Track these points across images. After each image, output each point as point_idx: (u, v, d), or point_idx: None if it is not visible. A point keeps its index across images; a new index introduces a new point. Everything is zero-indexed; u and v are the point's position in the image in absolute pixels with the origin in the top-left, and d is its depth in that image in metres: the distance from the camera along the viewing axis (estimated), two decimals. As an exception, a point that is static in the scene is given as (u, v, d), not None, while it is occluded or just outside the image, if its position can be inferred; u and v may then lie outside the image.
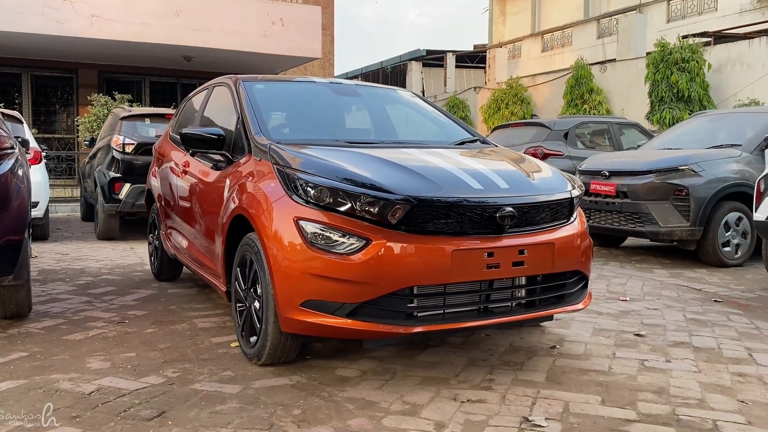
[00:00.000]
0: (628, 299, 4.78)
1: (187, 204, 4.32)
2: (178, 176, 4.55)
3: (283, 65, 14.77)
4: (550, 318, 3.30)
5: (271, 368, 3.10)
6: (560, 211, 3.16)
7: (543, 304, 3.12)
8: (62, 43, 12.17)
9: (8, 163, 3.79)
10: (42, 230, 8.00)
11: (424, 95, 30.09)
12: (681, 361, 3.27)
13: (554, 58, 26.88)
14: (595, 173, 7.10)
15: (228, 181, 3.53)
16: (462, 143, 3.96)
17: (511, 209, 2.89)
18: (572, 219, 3.23)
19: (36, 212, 7.57)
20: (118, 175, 7.74)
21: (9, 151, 3.85)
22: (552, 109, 21.03)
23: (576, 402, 2.70)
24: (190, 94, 5.24)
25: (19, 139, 5.65)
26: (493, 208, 2.87)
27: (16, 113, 8.17)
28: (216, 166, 3.84)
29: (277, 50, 12.97)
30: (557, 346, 3.51)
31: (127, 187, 7.74)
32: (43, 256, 6.76)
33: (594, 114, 18.59)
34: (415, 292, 2.81)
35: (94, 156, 9.07)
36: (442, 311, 2.86)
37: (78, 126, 12.84)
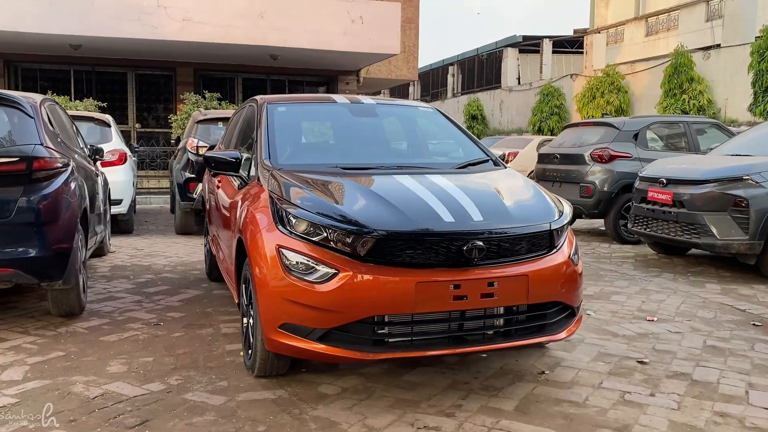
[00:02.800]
0: (655, 319, 4.67)
1: (219, 215, 4.67)
2: (215, 188, 4.91)
3: (364, 61, 15.06)
4: (540, 345, 3.34)
5: (264, 380, 3.36)
6: (538, 242, 3.19)
7: (520, 334, 3.17)
8: (159, 45, 13.04)
9: (59, 180, 4.28)
10: (126, 225, 8.74)
11: (519, 83, 29.52)
12: (666, 396, 3.23)
13: (658, 43, 25.51)
14: (653, 180, 6.87)
15: (239, 202, 3.82)
16: (468, 165, 4.03)
17: (479, 242, 2.97)
18: (554, 249, 3.25)
19: (119, 209, 8.31)
20: (192, 175, 8.32)
21: (61, 169, 4.33)
22: (651, 98, 20.07)
23: (528, 436, 2.77)
24: (235, 111, 5.59)
25: (92, 148, 6.25)
26: (460, 242, 2.96)
27: (105, 117, 8.91)
28: (238, 186, 4.15)
29: (356, 47, 13.25)
30: (546, 372, 3.54)
31: (200, 186, 8.30)
32: (120, 250, 7.42)
33: (694, 105, 17.60)
34: (383, 320, 2.96)
35: (176, 155, 9.75)
36: (410, 339, 3.00)
37: (171, 123, 13.75)
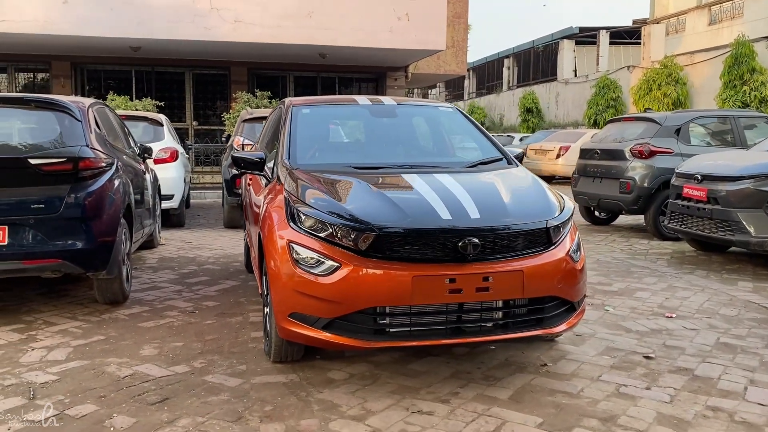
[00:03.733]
0: (674, 315, 4.70)
1: (249, 211, 4.96)
2: (248, 185, 5.21)
3: (411, 58, 15.21)
4: (546, 337, 3.48)
5: (279, 365, 3.62)
6: (534, 239, 3.32)
7: (517, 327, 3.31)
8: (213, 45, 13.55)
9: (103, 178, 4.65)
10: (178, 218, 9.21)
11: (576, 75, 29.05)
12: (662, 390, 3.31)
13: (722, 33, 24.64)
14: (688, 176, 6.81)
15: (263, 199, 4.08)
16: (480, 164, 4.17)
17: (475, 239, 3.13)
18: (552, 246, 3.37)
19: (171, 204, 8.78)
20: (238, 172, 8.69)
21: (105, 168, 4.70)
22: (710, 90, 19.48)
23: (514, 422, 2.92)
24: (270, 112, 5.88)
25: (141, 147, 6.66)
26: (456, 238, 3.13)
27: (158, 116, 9.39)
28: (264, 184, 4.42)
29: (402, 44, 13.42)
30: (549, 364, 3.67)
31: (244, 182, 8.68)
32: (170, 243, 7.86)
33: (756, 96, 17.02)
34: (384, 311, 3.17)
35: (226, 152, 10.18)
36: (408, 329, 3.20)
37: (224, 121, 14.27)
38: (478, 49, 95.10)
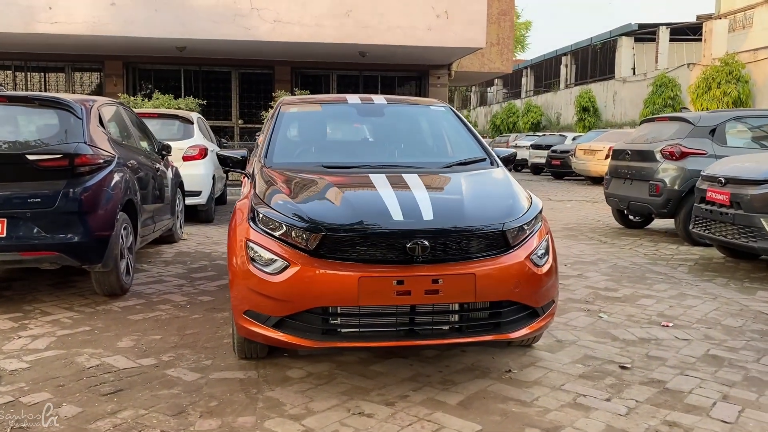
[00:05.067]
0: (670, 325, 4.49)
1: (242, 209, 5.02)
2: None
3: (452, 55, 15.08)
4: (519, 342, 3.40)
5: (244, 362, 3.66)
6: (489, 242, 3.23)
7: (472, 331, 3.24)
8: (255, 45, 13.80)
9: (101, 174, 4.81)
10: (206, 215, 9.42)
11: (634, 73, 28.11)
12: (622, 402, 3.17)
13: (791, 28, 23.43)
14: (713, 179, 6.49)
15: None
16: (458, 164, 4.09)
17: (424, 241, 3.08)
18: (511, 249, 3.27)
19: (198, 200, 9.00)
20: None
21: (103, 165, 4.86)
22: (774, 88, 18.49)
23: (451, 428, 2.85)
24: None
25: (160, 145, 6.85)
26: (405, 240, 3.08)
27: (190, 114, 9.62)
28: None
29: (441, 42, 13.32)
30: (514, 371, 3.57)
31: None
32: (192, 238, 8.05)
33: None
34: (336, 311, 3.15)
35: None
36: (357, 329, 3.17)
37: (263, 120, 14.51)
38: (542, 47, 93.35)
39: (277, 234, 3.24)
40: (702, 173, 6.87)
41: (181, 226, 7.90)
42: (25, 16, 12.48)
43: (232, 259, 3.43)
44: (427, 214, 3.21)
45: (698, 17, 27.78)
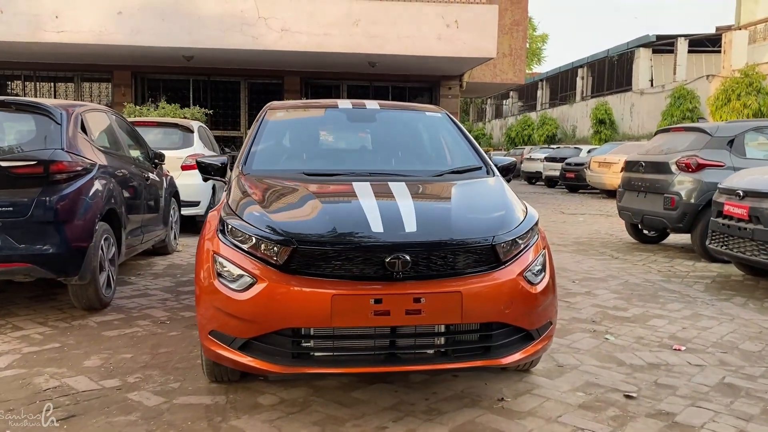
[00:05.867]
0: (683, 348, 4.14)
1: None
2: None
3: (462, 66, 14.80)
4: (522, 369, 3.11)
5: (214, 386, 3.38)
6: (478, 257, 2.93)
7: (458, 356, 2.93)
8: (263, 54, 13.64)
9: (77, 183, 4.57)
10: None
11: (652, 85, 27.67)
12: (625, 438, 2.84)
13: (814, 39, 22.92)
14: (730, 192, 6.13)
15: (218, 206, 3.86)
16: (451, 172, 3.81)
17: (405, 255, 2.78)
18: (501, 265, 2.96)
19: (197, 210, 8.78)
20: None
21: (81, 172, 4.62)
22: (797, 100, 18.00)
23: (429, 468, 2.54)
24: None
25: (153, 153, 6.63)
26: (384, 254, 2.79)
27: (190, 123, 9.41)
28: (230, 190, 4.20)
29: (451, 52, 13.07)
30: (507, 399, 3.25)
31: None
32: (186, 249, 7.80)
33: None
34: (309, 333, 2.86)
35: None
36: (331, 353, 2.87)
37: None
38: (559, 60, 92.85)
39: (245, 247, 2.96)
40: (719, 186, 6.51)
41: (175, 237, 7.67)
42: (31, 25, 12.42)
43: (198, 273, 3.15)
44: (410, 226, 2.92)
45: (717, 29, 27.31)
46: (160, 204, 6.74)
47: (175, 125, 9.21)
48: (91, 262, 4.62)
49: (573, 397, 3.29)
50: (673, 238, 9.25)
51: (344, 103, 4.51)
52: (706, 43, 27.24)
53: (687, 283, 6.33)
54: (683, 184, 7.67)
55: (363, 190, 3.28)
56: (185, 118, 12.79)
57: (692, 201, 7.52)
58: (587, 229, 10.75)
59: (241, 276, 2.89)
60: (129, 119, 7.90)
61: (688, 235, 8.02)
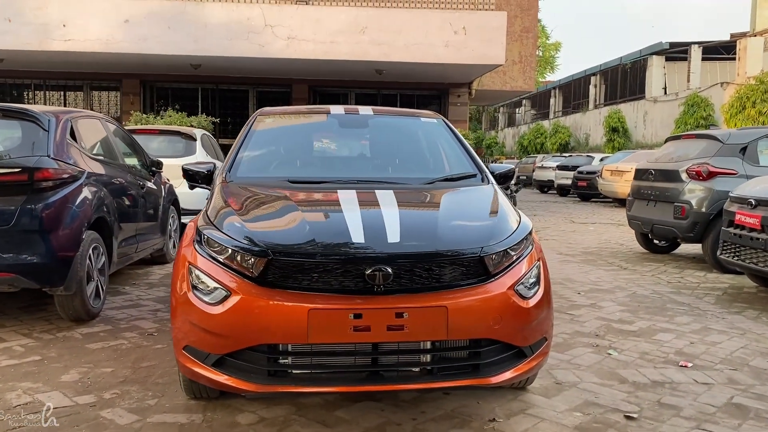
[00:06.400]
0: (690, 365, 3.94)
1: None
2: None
3: (471, 73, 14.65)
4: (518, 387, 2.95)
5: (192, 403, 3.23)
6: (465, 269, 2.76)
7: (444, 374, 2.76)
8: (271, 62, 13.58)
9: (64, 191, 4.46)
10: (208, 234, 9.07)
11: (666, 92, 27.35)
12: (623, 464, 2.65)
13: (831, 46, 22.52)
14: (742, 201, 5.92)
15: (202, 215, 3.73)
16: (443, 180, 3.65)
17: (387, 268, 2.62)
18: (490, 278, 2.79)
19: (198, 219, 8.65)
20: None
21: (68, 180, 4.51)
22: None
23: (408, 496, 2.37)
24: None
25: (146, 162, 6.52)
26: (363, 265, 2.63)
27: (192, 131, 9.30)
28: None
29: (459, 59, 12.92)
30: (499, 420, 3.07)
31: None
32: (187, 259, 7.68)
33: None
34: (286, 349, 2.71)
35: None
36: (309, 371, 2.72)
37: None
38: (572, 68, 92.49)
39: (221, 258, 2.82)
40: (730, 194, 6.29)
41: (174, 246, 7.55)
42: (39, 34, 12.45)
43: (174, 285, 3.01)
44: (393, 236, 2.76)
45: (732, 36, 26.97)
46: (157, 212, 6.64)
47: (178, 133, 9.12)
48: (77, 272, 4.50)
49: (569, 418, 3.10)
50: (685, 248, 9.00)
51: (337, 109, 4.37)
52: (720, 51, 26.91)
53: (697, 295, 6.11)
54: (694, 193, 7.45)
55: (347, 198, 3.13)
56: (191, 126, 12.73)
57: (703, 210, 7.30)
58: (597, 238, 10.52)
59: (216, 288, 2.75)
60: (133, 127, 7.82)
61: (700, 245, 7.79)
